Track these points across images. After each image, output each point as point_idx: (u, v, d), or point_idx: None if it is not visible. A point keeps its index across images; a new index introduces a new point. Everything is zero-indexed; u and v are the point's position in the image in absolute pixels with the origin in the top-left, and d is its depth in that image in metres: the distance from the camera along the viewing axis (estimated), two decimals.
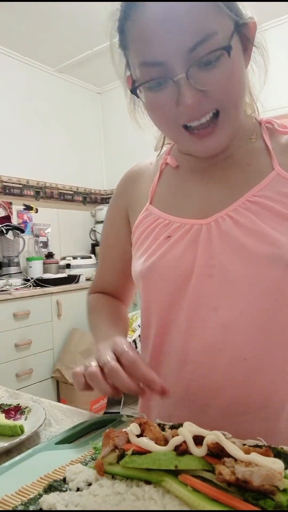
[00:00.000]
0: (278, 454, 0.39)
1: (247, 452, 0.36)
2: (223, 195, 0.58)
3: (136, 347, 2.62)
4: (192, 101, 0.49)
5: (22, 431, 0.61)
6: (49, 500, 0.37)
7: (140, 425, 0.42)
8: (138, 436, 0.41)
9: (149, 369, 0.48)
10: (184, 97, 0.49)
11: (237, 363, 0.55)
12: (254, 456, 0.34)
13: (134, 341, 2.61)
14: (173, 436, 0.39)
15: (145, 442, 0.39)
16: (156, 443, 0.39)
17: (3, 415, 0.67)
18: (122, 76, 0.59)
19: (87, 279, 2.86)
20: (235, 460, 0.35)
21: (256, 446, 0.39)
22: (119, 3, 0.52)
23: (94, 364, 0.49)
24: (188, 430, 0.39)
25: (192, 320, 0.57)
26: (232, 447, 0.36)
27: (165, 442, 0.39)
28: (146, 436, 0.40)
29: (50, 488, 0.39)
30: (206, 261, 0.56)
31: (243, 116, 0.61)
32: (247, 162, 0.59)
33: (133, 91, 0.54)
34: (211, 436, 0.37)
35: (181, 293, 0.58)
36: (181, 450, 0.37)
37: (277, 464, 0.34)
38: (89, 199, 3.61)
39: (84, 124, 3.65)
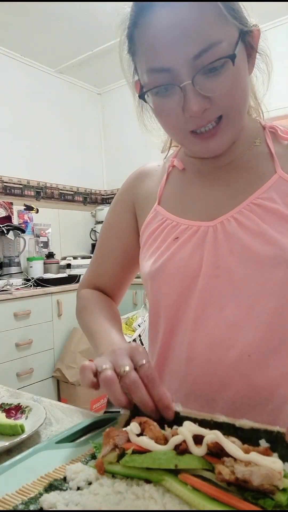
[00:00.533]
0: (275, 438, 0.39)
1: (246, 451, 0.36)
2: (228, 198, 0.60)
3: None
4: (197, 108, 0.50)
5: (23, 431, 0.61)
6: (49, 499, 0.37)
7: (140, 424, 0.42)
8: (138, 435, 0.41)
9: (166, 391, 0.46)
10: (190, 103, 0.51)
11: (242, 359, 0.56)
12: (254, 456, 0.34)
13: (134, 340, 2.62)
14: (173, 435, 0.39)
15: (145, 442, 0.39)
16: (156, 442, 0.39)
17: (4, 414, 0.67)
18: (131, 81, 0.61)
19: None
20: (235, 459, 0.35)
21: (266, 431, 0.40)
22: (129, 8, 0.54)
23: (109, 368, 0.47)
24: (188, 430, 0.39)
25: (200, 319, 0.59)
26: (232, 447, 0.36)
27: (165, 441, 0.39)
28: (146, 435, 0.40)
29: (51, 487, 0.39)
30: (213, 262, 0.58)
31: (247, 120, 0.63)
32: (251, 166, 0.61)
33: (141, 96, 0.56)
34: (211, 436, 0.37)
35: (189, 292, 0.59)
36: (181, 450, 0.37)
37: (276, 463, 0.34)
38: (90, 199, 3.61)
39: (84, 124, 3.65)
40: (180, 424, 0.42)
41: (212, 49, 0.48)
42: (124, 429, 0.42)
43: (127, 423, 0.45)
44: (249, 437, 0.41)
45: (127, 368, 0.46)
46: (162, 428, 0.43)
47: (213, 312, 0.58)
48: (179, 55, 0.49)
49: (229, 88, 0.51)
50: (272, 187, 0.58)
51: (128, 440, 0.41)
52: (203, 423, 0.43)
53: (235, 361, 0.57)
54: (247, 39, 0.54)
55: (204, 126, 0.54)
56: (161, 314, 0.64)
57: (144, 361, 0.47)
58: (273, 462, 0.34)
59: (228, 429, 0.42)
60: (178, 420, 0.46)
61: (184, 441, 0.38)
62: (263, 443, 0.40)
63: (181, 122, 0.54)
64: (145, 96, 0.55)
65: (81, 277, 0.82)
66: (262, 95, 0.64)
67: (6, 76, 2.98)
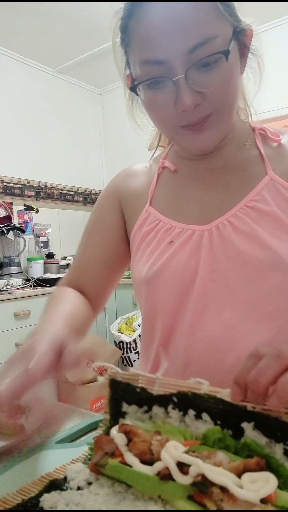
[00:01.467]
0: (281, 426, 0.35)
1: (237, 470, 0.33)
2: (222, 201, 0.60)
3: (136, 346, 2.63)
4: (190, 102, 0.50)
5: (23, 431, 0.61)
6: (49, 499, 0.37)
7: (125, 433, 0.39)
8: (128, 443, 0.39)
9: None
10: (182, 97, 0.50)
11: (239, 364, 0.55)
12: (239, 493, 0.31)
13: (135, 340, 2.62)
14: (161, 445, 0.36)
15: (130, 459, 0.37)
16: (141, 457, 0.37)
17: (4, 414, 0.67)
18: (123, 75, 0.60)
19: None
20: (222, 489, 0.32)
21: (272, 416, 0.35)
22: (124, 2, 0.54)
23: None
24: (171, 456, 0.35)
25: (197, 323, 0.58)
26: (217, 475, 0.32)
27: (151, 455, 0.37)
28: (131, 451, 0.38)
29: (51, 487, 0.39)
30: (209, 266, 0.57)
31: (238, 122, 0.63)
32: (244, 168, 0.61)
33: (133, 88, 0.55)
34: (194, 468, 0.33)
35: (185, 297, 0.59)
36: (163, 475, 0.34)
37: (268, 485, 0.31)
38: (90, 199, 3.61)
39: (84, 124, 3.65)
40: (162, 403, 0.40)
41: (207, 43, 0.48)
42: (110, 437, 0.40)
43: (108, 429, 0.42)
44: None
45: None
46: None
47: (210, 316, 0.57)
48: (174, 48, 0.49)
49: (221, 84, 0.51)
50: (264, 189, 0.58)
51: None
52: (183, 400, 0.40)
53: (234, 365, 0.56)
54: (241, 38, 0.53)
55: (195, 122, 0.53)
56: (157, 319, 0.63)
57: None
58: (266, 481, 0.31)
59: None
60: (154, 399, 0.41)
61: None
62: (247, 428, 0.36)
63: (172, 116, 0.53)
64: (137, 89, 0.54)
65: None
66: (253, 96, 0.64)
67: (6, 76, 2.98)
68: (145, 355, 0.68)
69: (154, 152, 0.73)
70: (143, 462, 0.37)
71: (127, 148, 3.58)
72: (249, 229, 0.55)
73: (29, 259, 2.79)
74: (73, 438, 0.54)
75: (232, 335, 0.56)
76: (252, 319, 0.55)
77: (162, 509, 0.35)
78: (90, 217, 0.75)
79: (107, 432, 0.43)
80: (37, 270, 2.75)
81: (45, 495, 0.38)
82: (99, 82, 3.64)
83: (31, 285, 2.55)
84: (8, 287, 2.46)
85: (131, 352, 2.63)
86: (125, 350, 2.64)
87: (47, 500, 0.37)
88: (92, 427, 0.58)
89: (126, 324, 2.72)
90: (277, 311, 0.55)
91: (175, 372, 0.60)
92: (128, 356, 2.65)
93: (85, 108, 3.67)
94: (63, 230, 3.34)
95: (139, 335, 2.79)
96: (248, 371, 0.36)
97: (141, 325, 0.70)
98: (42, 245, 3.05)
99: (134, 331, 2.65)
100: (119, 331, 2.70)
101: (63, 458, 0.46)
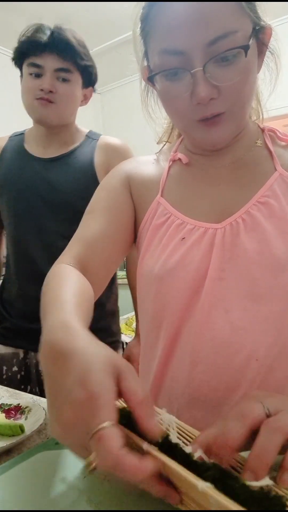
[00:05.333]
0: None
1: None
2: (234, 197, 0.60)
3: None
4: (205, 94, 0.50)
5: (22, 431, 0.61)
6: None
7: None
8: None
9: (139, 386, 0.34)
10: (198, 89, 0.50)
11: (249, 363, 0.55)
12: None
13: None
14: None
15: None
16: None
17: (4, 414, 0.68)
18: (140, 64, 0.60)
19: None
20: None
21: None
22: None
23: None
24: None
25: (204, 322, 0.57)
26: None
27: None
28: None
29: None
30: (218, 264, 0.57)
31: (249, 122, 0.64)
32: (254, 164, 0.61)
33: (150, 78, 0.55)
34: None
35: (195, 296, 0.58)
36: None
37: None
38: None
39: (84, 124, 3.64)
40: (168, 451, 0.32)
41: (228, 37, 0.48)
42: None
43: None
44: None
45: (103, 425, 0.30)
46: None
47: (218, 315, 0.56)
48: (194, 39, 0.49)
49: (238, 80, 0.51)
50: (275, 184, 0.58)
51: None
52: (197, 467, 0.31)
53: (242, 365, 0.55)
54: (260, 36, 0.54)
55: (207, 117, 0.53)
56: (165, 316, 0.62)
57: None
58: None
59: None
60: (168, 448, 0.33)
61: None
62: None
63: (187, 108, 0.54)
64: (154, 80, 0.54)
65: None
66: (268, 95, 0.64)
67: (6, 76, 2.98)
68: (149, 354, 0.67)
69: (163, 146, 0.72)
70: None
71: None
72: (262, 228, 0.55)
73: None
74: None
75: (240, 335, 0.55)
76: (260, 319, 0.55)
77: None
78: (98, 195, 0.69)
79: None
80: None
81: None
82: (99, 81, 3.62)
83: None
84: None
85: None
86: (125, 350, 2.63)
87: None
88: None
89: (126, 324, 2.72)
90: (286, 311, 0.55)
91: (181, 371, 0.60)
92: None
93: (85, 107, 3.66)
94: None
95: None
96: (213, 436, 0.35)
97: (145, 321, 0.69)
98: None
99: (134, 331, 2.65)
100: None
101: (63, 459, 0.46)
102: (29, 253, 1.09)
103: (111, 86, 3.70)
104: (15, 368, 1.14)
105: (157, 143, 0.73)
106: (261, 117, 0.68)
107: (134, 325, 2.69)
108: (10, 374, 1.14)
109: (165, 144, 0.73)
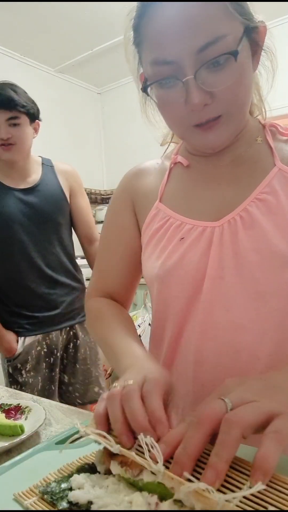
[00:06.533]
0: None
1: None
2: (233, 195, 0.60)
3: None
4: (198, 101, 0.50)
5: (22, 431, 0.61)
6: (78, 480, 0.39)
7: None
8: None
9: (161, 406, 0.40)
10: (192, 96, 0.50)
11: (251, 362, 0.55)
12: None
13: None
14: None
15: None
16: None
17: (4, 415, 0.68)
18: (136, 73, 0.60)
19: (87, 279, 2.84)
20: None
21: None
22: (136, 2, 0.54)
23: (118, 386, 0.43)
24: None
25: (206, 322, 0.58)
26: None
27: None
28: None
29: (83, 469, 0.41)
30: (218, 263, 0.57)
31: (250, 119, 0.63)
32: (254, 160, 0.61)
33: (144, 89, 0.55)
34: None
35: (196, 295, 0.58)
36: None
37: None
38: (89, 199, 3.60)
39: (84, 124, 3.65)
40: None
41: (217, 42, 0.48)
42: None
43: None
44: None
45: (130, 382, 0.43)
46: None
47: (219, 314, 0.57)
48: (183, 48, 0.49)
49: (231, 84, 0.51)
50: (274, 179, 0.58)
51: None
52: None
53: (245, 365, 0.55)
54: (253, 36, 0.53)
55: (203, 122, 0.53)
56: (168, 316, 0.62)
57: (151, 377, 0.43)
58: None
59: None
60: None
61: None
62: None
63: (183, 115, 0.54)
64: (149, 89, 0.55)
65: (88, 284, 0.77)
66: (266, 93, 0.64)
67: (6, 76, 2.97)
68: (155, 352, 0.67)
69: (166, 148, 0.73)
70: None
71: (127, 147, 3.58)
72: (259, 225, 0.55)
73: None
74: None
75: (242, 334, 0.55)
76: (262, 317, 0.55)
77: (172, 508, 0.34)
78: (105, 219, 0.76)
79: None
80: None
81: (75, 476, 0.39)
82: (99, 81, 3.64)
83: None
84: None
85: None
86: None
87: (75, 481, 0.39)
88: None
89: None
90: (286, 309, 0.54)
91: (186, 371, 0.60)
92: None
93: (85, 107, 3.67)
94: None
95: (139, 335, 2.77)
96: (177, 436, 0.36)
97: (151, 321, 0.70)
98: None
99: None
100: None
101: (62, 459, 0.46)
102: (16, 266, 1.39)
103: (111, 86, 3.70)
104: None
105: (161, 145, 0.73)
106: (263, 113, 0.67)
107: (138, 321, 2.69)
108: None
109: (169, 145, 0.73)
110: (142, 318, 3.00)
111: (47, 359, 1.43)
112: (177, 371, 0.62)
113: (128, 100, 3.49)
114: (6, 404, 0.71)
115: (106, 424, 0.41)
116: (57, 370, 1.46)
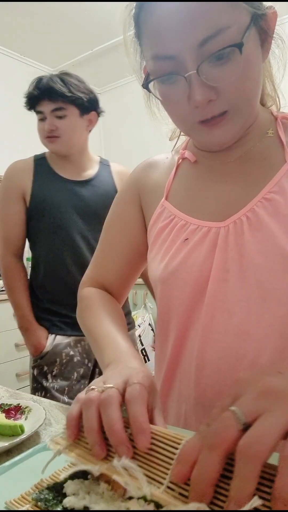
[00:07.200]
0: None
1: None
2: (240, 194, 0.57)
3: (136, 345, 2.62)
4: (201, 98, 0.48)
5: (22, 431, 0.61)
6: (72, 486, 0.38)
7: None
8: None
9: (145, 412, 0.38)
10: (195, 93, 0.48)
11: (253, 368, 0.53)
12: None
13: None
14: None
15: None
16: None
17: (4, 415, 0.67)
18: (136, 68, 0.58)
19: None
20: None
21: None
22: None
23: (95, 388, 0.41)
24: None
25: (209, 325, 0.56)
26: None
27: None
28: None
29: (77, 475, 0.40)
30: (222, 265, 0.55)
31: (261, 110, 0.60)
32: (264, 156, 0.58)
33: (145, 85, 0.53)
34: None
35: (199, 298, 0.57)
36: None
37: None
38: None
39: None
40: None
41: (220, 35, 0.45)
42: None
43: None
44: None
45: (110, 385, 0.40)
46: None
47: (222, 318, 0.55)
48: (184, 42, 0.46)
49: (237, 77, 0.48)
50: (283, 178, 0.54)
51: None
52: None
53: (246, 370, 0.53)
54: (261, 23, 0.50)
55: (208, 119, 0.51)
56: (172, 319, 0.61)
57: (135, 381, 0.41)
58: None
59: None
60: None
61: None
62: None
63: (187, 112, 0.52)
64: (151, 84, 0.53)
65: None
66: (278, 83, 0.61)
67: (6, 75, 2.98)
68: (160, 354, 0.66)
69: (176, 142, 0.70)
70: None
71: (127, 147, 3.58)
72: (265, 227, 0.53)
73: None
74: None
75: (244, 340, 0.53)
76: (264, 323, 0.53)
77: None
78: (110, 211, 0.74)
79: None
80: None
81: (69, 482, 0.38)
82: (99, 81, 3.64)
83: None
84: None
85: None
86: None
87: (69, 487, 0.38)
88: None
89: None
90: None
91: (188, 375, 0.59)
92: None
93: None
94: None
95: (139, 335, 2.78)
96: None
97: (156, 323, 0.69)
98: None
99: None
100: None
101: (62, 459, 0.46)
102: (63, 260, 1.35)
103: (111, 86, 3.70)
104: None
105: (170, 139, 0.71)
106: (278, 102, 0.63)
107: (138, 320, 2.69)
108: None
109: (178, 139, 0.70)
110: (142, 318, 3.00)
111: (78, 369, 1.33)
112: (181, 374, 0.61)
113: (128, 100, 3.49)
114: (6, 404, 0.71)
115: (77, 429, 0.40)
116: (86, 382, 1.34)
